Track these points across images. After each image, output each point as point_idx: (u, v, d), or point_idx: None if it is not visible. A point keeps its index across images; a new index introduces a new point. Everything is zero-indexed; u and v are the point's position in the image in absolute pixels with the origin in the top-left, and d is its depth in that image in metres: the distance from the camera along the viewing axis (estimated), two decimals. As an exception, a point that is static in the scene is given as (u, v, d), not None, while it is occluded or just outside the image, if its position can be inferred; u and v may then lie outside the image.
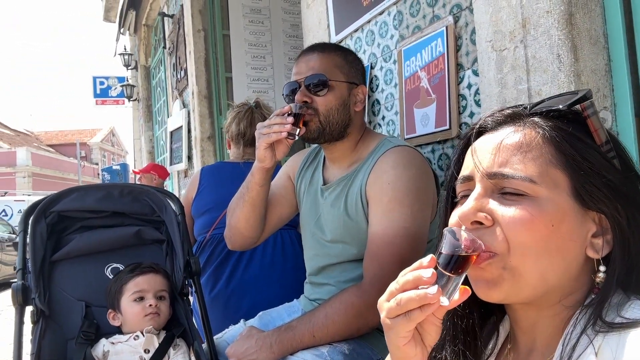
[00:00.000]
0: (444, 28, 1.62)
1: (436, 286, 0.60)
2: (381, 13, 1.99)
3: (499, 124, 0.68)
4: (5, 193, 19.11)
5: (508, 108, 0.70)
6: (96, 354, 1.44)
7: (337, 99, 1.40)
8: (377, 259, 1.28)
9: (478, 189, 0.65)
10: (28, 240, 1.60)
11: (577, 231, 0.61)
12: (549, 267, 0.61)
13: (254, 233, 1.60)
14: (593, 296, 0.61)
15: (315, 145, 1.61)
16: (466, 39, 1.57)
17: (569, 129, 0.63)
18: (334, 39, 2.32)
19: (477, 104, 1.53)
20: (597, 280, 0.62)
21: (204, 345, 1.54)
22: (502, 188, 0.63)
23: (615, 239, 0.61)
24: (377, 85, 2.05)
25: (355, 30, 2.17)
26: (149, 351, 1.45)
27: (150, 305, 1.50)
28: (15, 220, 11.86)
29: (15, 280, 1.56)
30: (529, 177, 0.61)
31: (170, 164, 6.26)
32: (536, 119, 0.65)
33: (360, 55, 2.17)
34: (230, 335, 1.61)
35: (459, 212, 0.65)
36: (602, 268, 0.61)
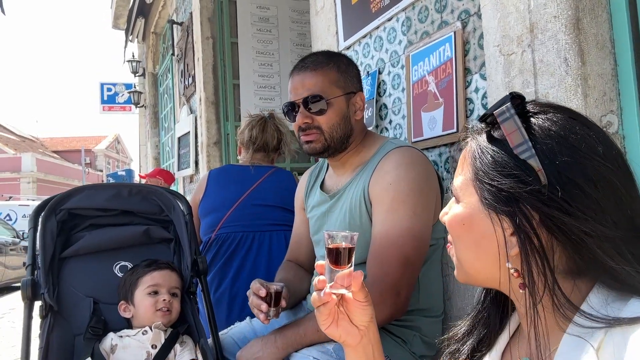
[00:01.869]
0: (452, 33, 1.64)
1: (322, 291, 0.82)
2: (390, 19, 2.02)
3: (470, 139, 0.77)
4: (10, 198, 19.18)
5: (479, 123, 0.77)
6: (104, 347, 1.45)
7: (337, 115, 1.42)
8: (380, 259, 1.29)
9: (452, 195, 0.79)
10: (38, 236, 1.62)
11: (490, 231, 0.68)
12: (474, 258, 0.72)
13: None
14: (521, 291, 0.67)
15: (317, 163, 1.67)
16: (474, 43, 1.59)
17: (483, 141, 0.71)
18: (342, 45, 2.35)
19: (485, 107, 1.55)
20: (515, 276, 0.68)
21: (210, 341, 1.55)
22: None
23: (519, 239, 0.65)
24: (385, 90, 2.07)
25: (364, 37, 2.20)
26: (156, 347, 1.46)
27: (164, 300, 1.51)
28: (20, 225, 11.88)
29: (20, 282, 1.57)
30: (454, 188, 0.75)
31: (178, 170, 6.29)
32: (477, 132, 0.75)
33: (368, 60, 2.20)
34: (236, 332, 1.62)
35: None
36: (508, 265, 0.68)
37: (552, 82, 1.27)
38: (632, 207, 0.64)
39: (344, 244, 0.83)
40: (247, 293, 1.38)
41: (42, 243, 1.61)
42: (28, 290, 1.51)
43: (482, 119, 0.72)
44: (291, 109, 1.45)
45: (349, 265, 0.83)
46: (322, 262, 0.85)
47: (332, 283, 0.82)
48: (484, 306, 0.80)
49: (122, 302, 1.56)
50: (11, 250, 9.58)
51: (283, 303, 1.34)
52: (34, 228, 1.63)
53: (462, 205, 0.73)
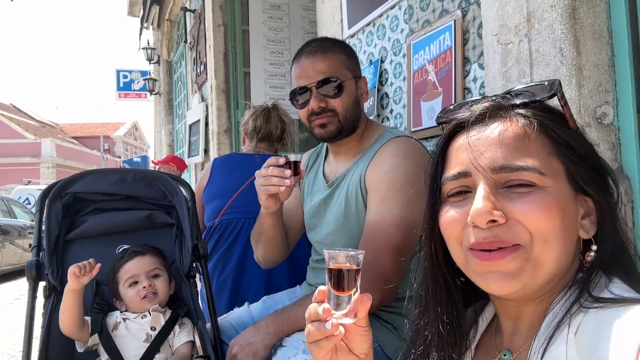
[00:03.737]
0: (452, 22, 1.64)
1: (330, 322, 0.68)
2: (392, 7, 2.01)
3: (483, 117, 0.66)
4: (29, 182, 19.57)
5: (482, 100, 0.69)
6: (109, 321, 1.50)
7: (350, 97, 1.41)
8: (371, 246, 1.29)
9: (484, 186, 0.62)
10: (44, 219, 1.66)
11: (574, 215, 0.63)
12: (562, 252, 0.62)
13: (281, 255, 1.64)
14: (581, 275, 0.63)
15: (316, 147, 1.65)
16: (473, 32, 1.58)
17: (556, 119, 0.65)
18: (347, 34, 2.35)
19: (482, 97, 1.55)
20: (588, 259, 0.64)
21: (208, 325, 1.59)
22: (506, 182, 0.62)
23: (602, 219, 0.64)
24: (387, 79, 2.07)
25: (367, 25, 2.20)
26: (155, 328, 1.50)
27: (144, 287, 1.54)
28: (38, 209, 12.12)
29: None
30: (538, 169, 0.61)
31: (188, 157, 6.36)
32: (522, 110, 0.65)
33: (371, 49, 2.19)
34: (234, 317, 1.65)
35: (473, 212, 0.61)
36: (594, 247, 0.63)
37: (548, 72, 1.26)
38: None
39: (348, 265, 0.70)
40: (257, 173, 1.35)
41: (47, 225, 1.65)
42: (32, 271, 1.56)
43: (548, 97, 0.65)
44: (301, 94, 1.42)
45: (355, 289, 0.70)
46: (324, 288, 0.71)
47: (343, 312, 0.69)
48: (454, 303, 0.73)
49: (114, 299, 1.60)
50: (29, 233, 9.80)
51: (302, 174, 1.35)
52: (40, 211, 1.68)
53: (551, 189, 0.61)
